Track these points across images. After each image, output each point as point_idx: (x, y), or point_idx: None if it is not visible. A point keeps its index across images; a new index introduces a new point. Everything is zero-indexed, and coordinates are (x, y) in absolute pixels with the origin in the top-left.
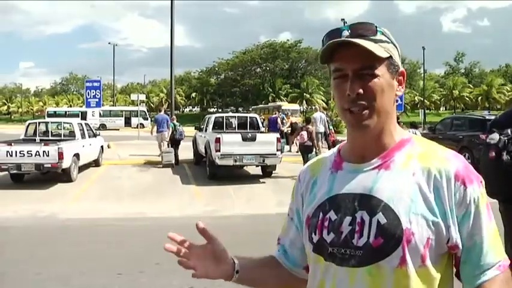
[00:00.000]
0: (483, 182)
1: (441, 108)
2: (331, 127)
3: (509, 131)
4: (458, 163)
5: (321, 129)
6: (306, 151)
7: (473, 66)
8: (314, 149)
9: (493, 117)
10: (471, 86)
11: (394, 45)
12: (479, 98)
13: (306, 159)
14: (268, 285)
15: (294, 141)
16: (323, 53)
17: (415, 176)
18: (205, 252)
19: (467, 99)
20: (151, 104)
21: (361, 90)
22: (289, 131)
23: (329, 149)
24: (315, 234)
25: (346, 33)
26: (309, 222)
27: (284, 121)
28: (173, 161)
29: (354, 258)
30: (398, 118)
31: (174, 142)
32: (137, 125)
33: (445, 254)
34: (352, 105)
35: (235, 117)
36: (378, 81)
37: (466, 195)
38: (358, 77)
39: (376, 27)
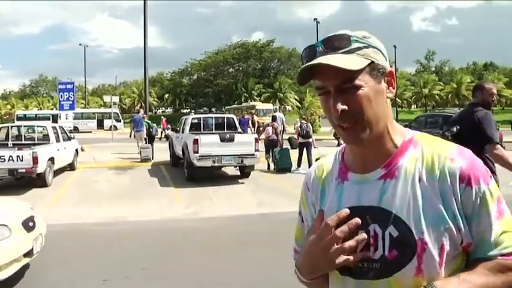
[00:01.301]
0: (492, 177)
1: (412, 106)
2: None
3: (454, 128)
4: (463, 161)
5: (280, 127)
6: (271, 145)
7: (443, 64)
8: (278, 143)
9: None
10: (441, 83)
11: (375, 47)
12: (450, 95)
13: (270, 153)
14: None
15: (260, 138)
16: (299, 77)
17: (421, 181)
18: None
19: (437, 96)
20: (124, 106)
21: (345, 107)
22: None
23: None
24: None
25: (320, 49)
26: None
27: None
28: (151, 156)
29: (371, 271)
30: None
31: (150, 138)
32: (110, 127)
33: (459, 254)
34: (341, 121)
35: (212, 118)
36: (362, 91)
37: (472, 195)
38: (341, 92)
39: (350, 36)
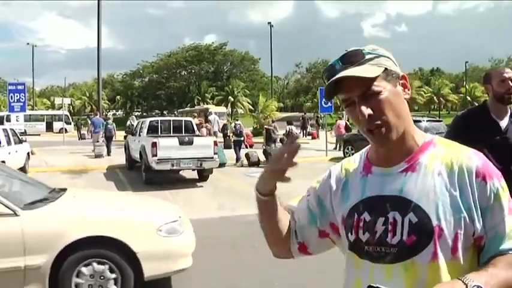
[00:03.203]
0: (502, 177)
1: None
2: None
3: None
4: (478, 160)
5: (215, 128)
6: None
7: None
8: None
9: (418, 118)
10: None
11: (385, 56)
12: None
13: None
14: (272, 229)
15: None
16: (326, 93)
17: (440, 176)
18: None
19: None
20: (72, 109)
21: (370, 111)
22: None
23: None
24: (351, 234)
25: (338, 66)
26: (345, 223)
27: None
28: (104, 153)
29: (389, 255)
30: (318, 118)
31: (107, 138)
32: (60, 129)
33: (471, 246)
34: (369, 126)
35: (170, 121)
36: (383, 95)
37: (487, 190)
38: (365, 100)
39: (362, 50)
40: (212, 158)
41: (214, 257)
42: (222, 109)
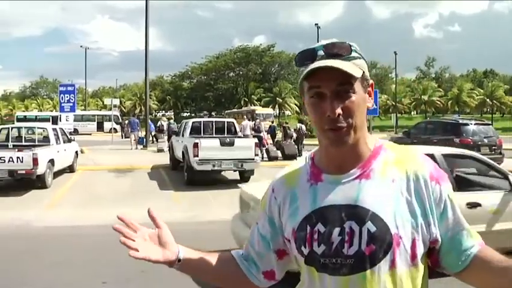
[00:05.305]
0: (449, 178)
1: (412, 112)
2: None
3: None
4: (430, 165)
5: (247, 132)
6: None
7: (443, 71)
8: None
9: (465, 121)
10: (441, 90)
11: (365, 60)
12: (450, 102)
13: None
14: (214, 279)
15: None
16: (305, 76)
17: (394, 182)
18: (152, 237)
19: (438, 103)
20: (123, 108)
21: (340, 111)
22: None
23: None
24: (305, 247)
25: (321, 52)
26: (295, 236)
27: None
28: (164, 148)
29: (345, 267)
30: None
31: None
32: (110, 129)
33: (425, 253)
34: (333, 124)
35: (212, 122)
36: (355, 99)
37: (442, 193)
38: (336, 96)
39: (351, 46)
40: (253, 159)
41: None
42: (269, 110)
